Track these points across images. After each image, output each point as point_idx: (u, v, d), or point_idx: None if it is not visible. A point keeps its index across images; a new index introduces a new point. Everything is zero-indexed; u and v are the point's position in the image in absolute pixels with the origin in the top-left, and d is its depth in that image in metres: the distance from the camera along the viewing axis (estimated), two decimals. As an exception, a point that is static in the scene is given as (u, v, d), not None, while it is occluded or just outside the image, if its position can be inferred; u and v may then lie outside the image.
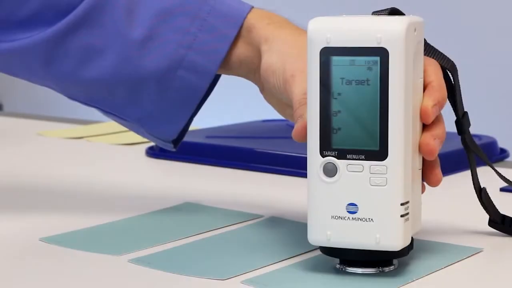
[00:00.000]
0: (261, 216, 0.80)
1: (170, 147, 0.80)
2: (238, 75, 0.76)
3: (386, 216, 0.60)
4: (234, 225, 0.77)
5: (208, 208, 0.82)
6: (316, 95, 0.61)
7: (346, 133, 0.61)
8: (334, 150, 0.61)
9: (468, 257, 0.68)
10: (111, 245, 0.71)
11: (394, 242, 0.61)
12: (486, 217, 0.73)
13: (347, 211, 0.61)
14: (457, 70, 0.68)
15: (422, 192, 0.66)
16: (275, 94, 0.72)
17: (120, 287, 0.64)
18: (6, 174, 1.00)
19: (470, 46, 2.33)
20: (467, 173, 0.73)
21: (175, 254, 0.69)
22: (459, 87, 0.69)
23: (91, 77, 0.76)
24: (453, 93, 0.69)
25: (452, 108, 0.70)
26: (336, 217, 0.61)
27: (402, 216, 0.61)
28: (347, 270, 0.64)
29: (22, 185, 0.95)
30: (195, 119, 0.80)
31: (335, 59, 0.60)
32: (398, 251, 0.61)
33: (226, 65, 0.75)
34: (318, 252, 0.67)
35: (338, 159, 0.61)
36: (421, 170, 0.65)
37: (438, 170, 0.65)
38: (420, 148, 0.63)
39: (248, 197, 0.88)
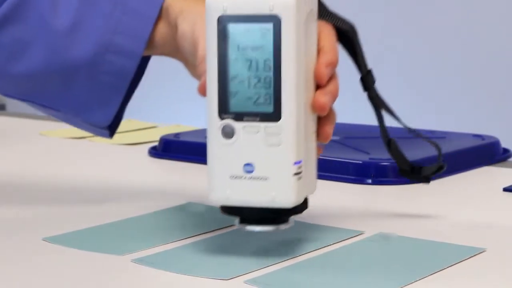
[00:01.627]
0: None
1: (106, 134, 0.83)
2: (164, 54, 0.79)
3: (280, 175, 0.64)
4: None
5: (211, 208, 0.82)
6: (214, 61, 0.64)
7: (243, 96, 0.64)
8: (232, 113, 0.64)
9: (471, 257, 0.68)
10: (114, 245, 0.71)
11: (288, 199, 0.64)
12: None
13: (245, 171, 0.64)
14: (356, 31, 0.72)
15: (318, 154, 0.69)
16: (193, 61, 0.75)
17: (123, 287, 0.64)
18: (8, 173, 1.00)
19: (473, 46, 2.33)
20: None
21: (178, 254, 0.69)
22: (360, 46, 0.72)
23: (22, 71, 0.78)
24: (355, 53, 0.73)
25: (357, 68, 0.73)
26: (234, 177, 0.64)
27: (295, 174, 0.64)
28: (246, 229, 0.66)
29: (25, 184, 0.95)
30: (201, 119, 0.80)
31: (231, 26, 0.64)
32: (293, 208, 0.65)
33: (151, 45, 0.78)
34: (323, 251, 0.67)
35: (235, 121, 0.64)
36: (315, 133, 0.68)
37: (328, 127, 0.68)
38: (312, 105, 0.66)
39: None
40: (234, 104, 0.64)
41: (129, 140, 1.20)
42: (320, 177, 0.95)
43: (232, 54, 0.64)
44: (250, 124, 0.64)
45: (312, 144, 0.67)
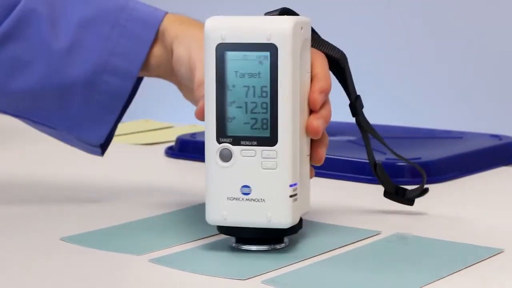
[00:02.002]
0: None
1: (98, 152, 0.85)
2: (158, 77, 0.82)
3: (277, 197, 0.66)
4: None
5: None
6: (213, 87, 0.66)
7: (240, 121, 0.66)
8: (229, 137, 0.66)
9: (489, 257, 0.68)
10: (131, 245, 0.71)
11: (284, 220, 0.66)
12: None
13: (242, 193, 0.66)
14: (346, 59, 0.75)
15: (311, 177, 0.71)
16: (188, 85, 0.77)
17: (140, 287, 0.64)
18: (26, 173, 1.01)
19: (491, 44, 2.32)
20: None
21: (195, 253, 0.69)
22: (350, 73, 0.75)
23: (20, 89, 0.80)
24: (345, 80, 0.75)
25: (346, 94, 0.76)
26: (232, 198, 0.67)
27: (291, 196, 0.66)
28: (242, 248, 0.69)
29: (42, 184, 0.95)
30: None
31: (229, 54, 0.66)
32: (288, 228, 0.67)
33: (146, 67, 0.80)
34: (341, 251, 0.67)
35: (233, 145, 0.66)
36: (308, 156, 0.70)
37: (321, 150, 0.70)
38: (306, 129, 0.68)
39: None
40: (232, 128, 0.66)
41: (145, 140, 1.20)
42: (336, 177, 0.96)
43: (230, 80, 0.66)
44: (248, 148, 0.66)
45: (306, 166, 0.70)
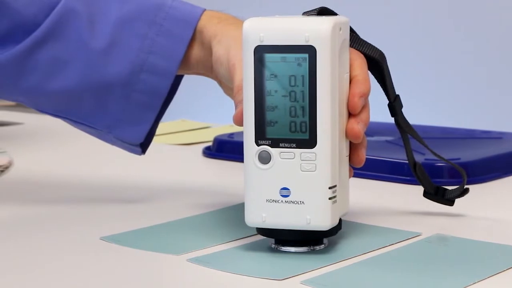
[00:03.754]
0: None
1: (138, 151, 0.85)
2: (198, 74, 0.82)
3: (316, 199, 0.66)
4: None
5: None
6: (251, 90, 0.66)
7: (279, 124, 0.66)
8: (268, 139, 0.66)
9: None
10: (170, 245, 0.72)
11: (323, 222, 0.66)
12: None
13: (281, 195, 0.66)
14: (385, 58, 0.74)
15: (350, 176, 0.71)
16: (226, 83, 0.77)
17: (178, 286, 0.64)
18: (66, 173, 1.02)
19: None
20: None
21: (233, 254, 0.69)
22: (389, 73, 0.75)
23: (59, 88, 0.81)
24: (384, 80, 0.74)
25: (385, 94, 0.75)
26: (271, 201, 0.67)
27: (330, 198, 0.66)
28: (281, 249, 0.69)
29: (82, 184, 0.96)
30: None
31: (268, 56, 0.66)
32: (327, 230, 0.67)
33: (185, 65, 0.80)
34: (381, 252, 0.66)
35: (271, 147, 0.66)
36: (348, 157, 0.70)
37: (361, 152, 0.70)
38: (346, 133, 0.68)
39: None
40: (271, 131, 0.66)
41: (183, 140, 1.20)
42: (374, 177, 0.95)
43: (268, 83, 0.66)
44: (286, 150, 0.66)
45: (345, 168, 0.69)
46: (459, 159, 0.95)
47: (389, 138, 1.08)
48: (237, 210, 0.82)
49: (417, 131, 0.77)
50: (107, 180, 0.98)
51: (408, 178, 0.93)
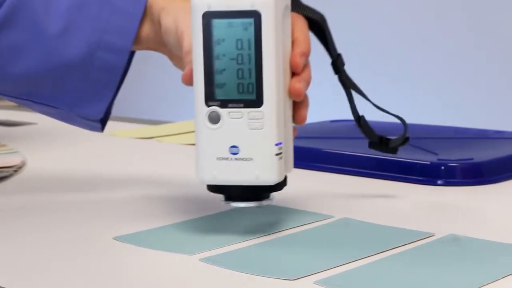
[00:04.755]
0: (332, 217, 0.80)
1: (98, 128, 0.87)
2: (149, 49, 0.85)
3: (263, 155, 0.70)
4: (305, 226, 0.77)
5: (278, 208, 0.82)
6: (200, 55, 0.70)
7: (227, 86, 0.70)
8: (217, 100, 0.70)
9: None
10: (182, 244, 0.72)
11: (271, 177, 0.70)
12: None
13: (230, 153, 0.70)
14: (325, 20, 0.78)
15: (294, 135, 0.75)
16: (177, 54, 0.80)
17: (191, 286, 0.64)
18: (81, 173, 1.02)
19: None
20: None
21: (246, 254, 0.69)
22: (330, 34, 0.79)
23: (19, 73, 0.83)
24: (326, 40, 0.79)
25: (328, 53, 0.80)
26: (221, 158, 0.70)
27: (276, 155, 0.70)
28: (232, 205, 0.72)
29: (97, 183, 0.96)
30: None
31: (215, 21, 0.69)
32: (274, 185, 0.71)
33: (138, 41, 0.83)
34: (395, 252, 0.66)
35: (221, 108, 0.70)
36: (291, 117, 0.73)
37: (303, 111, 0.74)
38: (289, 91, 0.72)
39: (318, 197, 0.88)
40: (220, 93, 0.70)
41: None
42: (388, 177, 0.95)
43: (216, 47, 0.69)
44: (235, 110, 0.70)
45: (290, 127, 0.73)
46: (472, 159, 0.95)
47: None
48: (250, 211, 0.82)
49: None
50: (120, 179, 0.98)
51: (421, 178, 0.93)
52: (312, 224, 0.77)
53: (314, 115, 1.01)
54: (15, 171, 1.01)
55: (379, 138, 0.83)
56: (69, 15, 0.82)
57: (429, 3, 2.43)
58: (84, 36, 0.82)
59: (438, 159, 0.95)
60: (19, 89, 0.86)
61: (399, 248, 0.70)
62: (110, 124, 0.90)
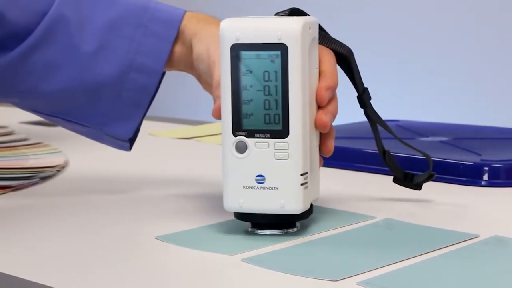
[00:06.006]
0: (374, 217, 0.79)
1: (127, 147, 0.89)
2: (180, 70, 0.87)
3: (289, 185, 0.71)
4: (348, 226, 0.77)
5: (320, 209, 0.82)
6: (229, 85, 0.71)
7: (254, 116, 0.71)
8: (244, 130, 0.71)
9: None
10: (224, 245, 0.72)
11: (296, 206, 0.71)
12: None
13: (256, 182, 0.71)
14: (353, 54, 0.79)
15: (320, 165, 0.76)
16: (207, 80, 0.82)
17: (232, 286, 0.64)
18: (121, 174, 1.03)
19: None
20: None
21: (288, 254, 0.69)
22: (357, 67, 0.79)
23: (53, 90, 0.85)
24: (352, 74, 0.79)
25: (354, 87, 0.80)
26: (247, 187, 0.72)
27: (302, 184, 0.71)
28: (257, 232, 0.73)
29: (135, 182, 0.96)
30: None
31: (243, 53, 0.71)
32: (299, 214, 0.72)
33: (169, 63, 0.86)
34: (440, 253, 0.66)
35: (247, 138, 0.71)
36: (318, 147, 0.75)
37: (330, 142, 0.75)
38: (315, 123, 0.73)
39: (359, 198, 0.88)
40: (247, 123, 0.71)
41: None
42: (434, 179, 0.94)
43: (244, 78, 0.71)
44: (261, 140, 0.71)
45: (316, 157, 0.74)
46: (516, 160, 0.93)
47: (444, 139, 1.07)
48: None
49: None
50: (160, 178, 0.98)
51: (464, 179, 0.92)
52: (355, 225, 0.77)
53: (353, 115, 1.01)
54: (58, 170, 1.02)
55: (404, 174, 0.83)
56: (103, 35, 0.84)
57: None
58: (117, 57, 0.84)
59: (482, 160, 0.94)
60: (51, 106, 0.87)
61: (443, 249, 0.69)
62: (148, 124, 0.91)
